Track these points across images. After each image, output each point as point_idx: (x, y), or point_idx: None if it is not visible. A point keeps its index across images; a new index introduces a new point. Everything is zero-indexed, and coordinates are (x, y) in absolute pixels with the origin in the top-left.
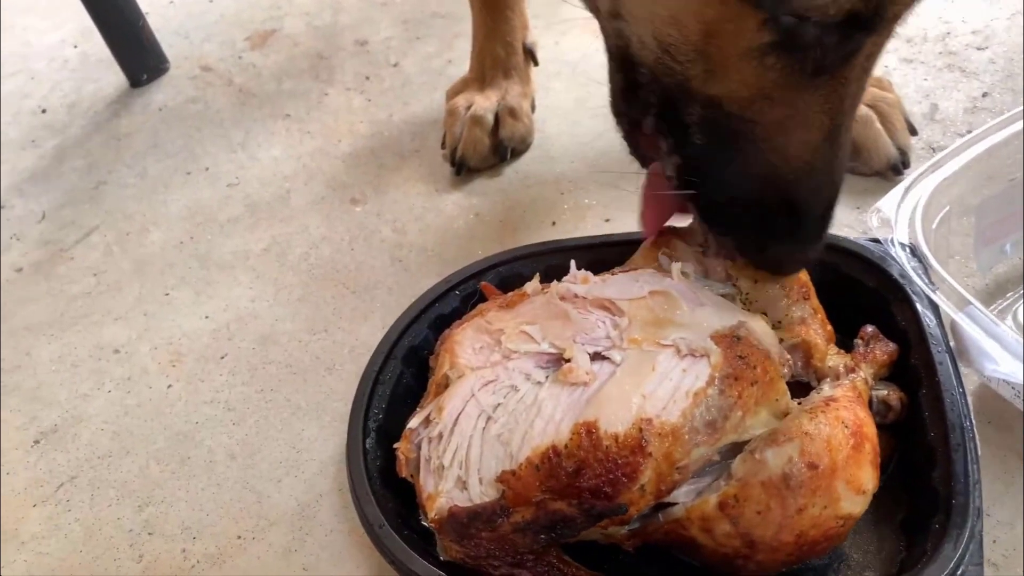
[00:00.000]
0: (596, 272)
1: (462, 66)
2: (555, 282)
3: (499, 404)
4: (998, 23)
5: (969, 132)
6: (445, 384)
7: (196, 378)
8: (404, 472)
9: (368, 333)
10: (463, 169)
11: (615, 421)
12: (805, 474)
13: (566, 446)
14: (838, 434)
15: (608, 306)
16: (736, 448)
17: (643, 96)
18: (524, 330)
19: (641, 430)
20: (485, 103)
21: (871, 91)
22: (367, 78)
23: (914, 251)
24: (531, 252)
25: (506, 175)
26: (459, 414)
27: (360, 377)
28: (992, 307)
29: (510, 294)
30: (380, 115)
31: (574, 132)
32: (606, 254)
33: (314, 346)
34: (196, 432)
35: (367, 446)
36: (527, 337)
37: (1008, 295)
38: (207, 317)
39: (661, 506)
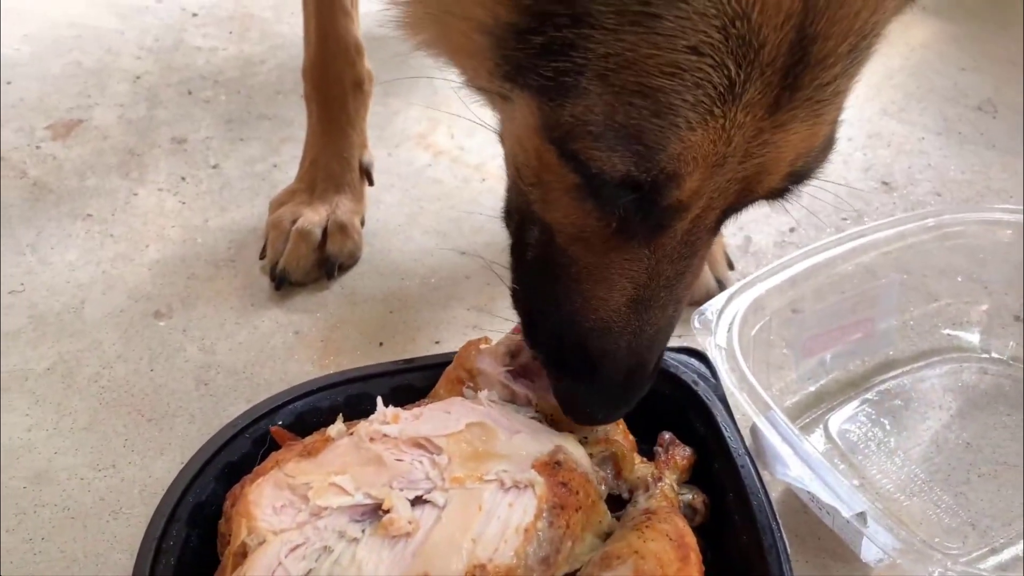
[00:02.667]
0: (402, 401)
1: (288, 172)
2: (362, 422)
3: (311, 570)
4: None
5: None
6: (244, 553)
7: None
8: None
9: (163, 469)
10: (284, 283)
11: (448, 572)
12: None
13: None
14: (666, 548)
15: (424, 444)
16: None
17: (512, 211)
18: (333, 482)
19: (475, 575)
20: (314, 217)
21: None
22: (183, 179)
23: (728, 354)
24: (327, 384)
25: (331, 290)
26: None
27: (138, 551)
28: (807, 416)
29: (310, 438)
30: (195, 220)
31: (405, 248)
32: (411, 379)
33: (98, 484)
34: None
35: None
36: (338, 489)
37: (822, 405)
38: None
39: None
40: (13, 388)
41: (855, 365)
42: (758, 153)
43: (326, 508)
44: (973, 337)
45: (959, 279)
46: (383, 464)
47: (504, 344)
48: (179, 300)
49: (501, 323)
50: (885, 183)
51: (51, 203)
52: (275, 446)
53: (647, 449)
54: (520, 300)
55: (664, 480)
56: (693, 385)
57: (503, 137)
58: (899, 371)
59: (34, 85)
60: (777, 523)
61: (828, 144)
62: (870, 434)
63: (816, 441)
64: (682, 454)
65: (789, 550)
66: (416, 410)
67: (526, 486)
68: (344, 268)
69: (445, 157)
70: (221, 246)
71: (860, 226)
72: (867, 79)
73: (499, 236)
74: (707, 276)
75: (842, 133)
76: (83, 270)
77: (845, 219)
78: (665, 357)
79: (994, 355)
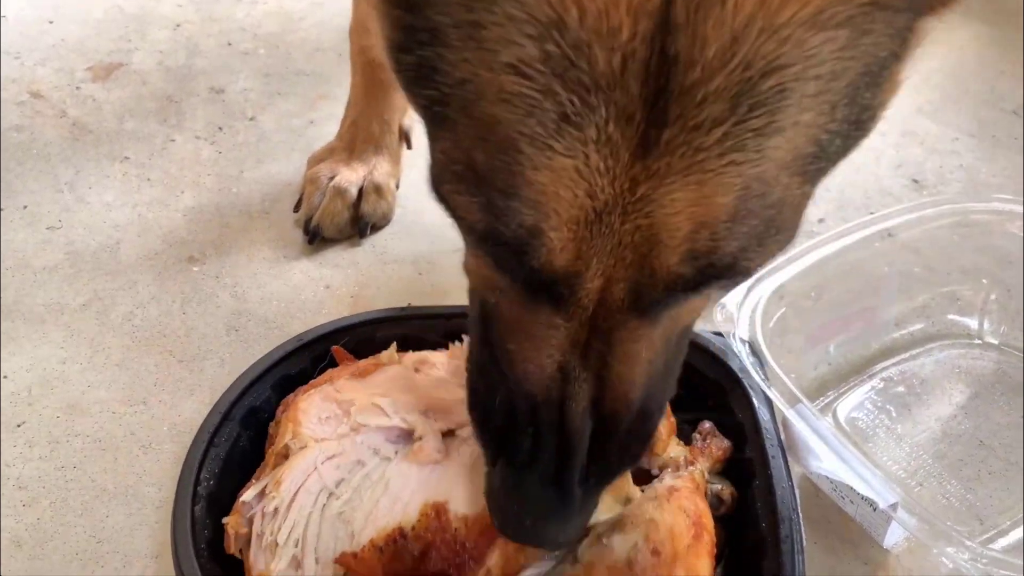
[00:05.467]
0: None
1: (325, 129)
2: (411, 352)
3: (343, 480)
4: None
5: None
6: (285, 455)
7: None
8: (232, 548)
9: (192, 409)
10: (316, 238)
11: (465, 502)
12: (649, 560)
13: (413, 527)
14: (680, 523)
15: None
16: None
17: None
18: (376, 403)
19: None
20: (351, 176)
21: None
22: (220, 129)
23: (752, 347)
24: (389, 316)
25: (362, 248)
26: (299, 488)
27: (192, 440)
28: (816, 404)
29: (364, 361)
30: (230, 170)
31: (437, 212)
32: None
33: (129, 419)
34: None
35: (196, 514)
36: (378, 410)
37: (829, 393)
38: (5, 377)
39: None
40: (49, 321)
41: (859, 352)
42: (640, 211)
43: (365, 425)
44: (975, 323)
45: (964, 266)
46: (422, 394)
47: None
48: (212, 247)
49: None
50: (915, 181)
51: (90, 143)
52: (332, 365)
53: (688, 431)
54: (470, 374)
55: (696, 466)
56: (739, 372)
57: None
58: (902, 356)
59: (75, 27)
60: (797, 515)
61: (742, 220)
62: (877, 421)
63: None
64: (719, 445)
65: (804, 542)
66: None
67: None
68: (376, 228)
69: None
70: (255, 197)
71: (869, 214)
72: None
73: None
74: None
75: (876, 129)
76: (119, 211)
77: (872, 212)
78: (711, 339)
79: (994, 341)
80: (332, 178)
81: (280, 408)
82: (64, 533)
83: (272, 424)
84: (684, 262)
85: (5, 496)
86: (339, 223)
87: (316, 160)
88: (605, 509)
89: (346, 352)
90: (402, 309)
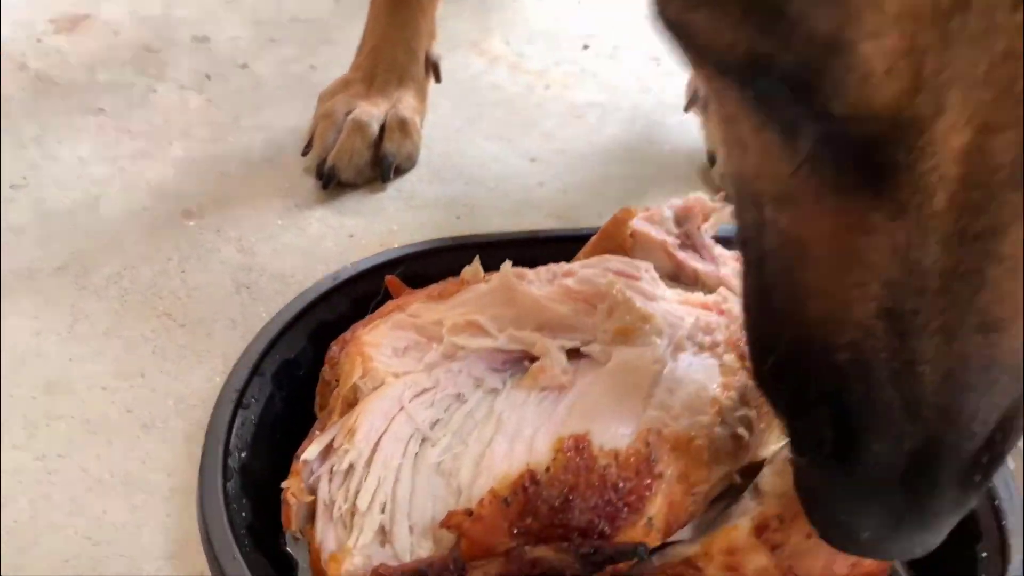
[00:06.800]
0: None
1: (329, 74)
2: (507, 264)
3: (438, 421)
4: None
5: None
6: (354, 399)
7: None
8: (293, 525)
9: (202, 379)
10: (332, 182)
11: (612, 433)
12: None
13: (547, 469)
14: None
15: (576, 295)
16: (749, 470)
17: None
18: (473, 320)
19: (648, 444)
20: (372, 110)
21: None
22: (208, 77)
23: None
24: (447, 246)
25: (387, 193)
26: (381, 436)
27: (215, 403)
28: None
29: (436, 284)
30: (224, 119)
31: (467, 153)
32: (547, 251)
33: (124, 395)
34: None
35: (228, 492)
36: (477, 330)
37: None
38: None
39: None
40: (17, 289)
41: None
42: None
43: (462, 349)
44: None
45: None
46: (532, 307)
47: (668, 207)
48: (210, 199)
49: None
50: None
51: (56, 96)
52: (386, 301)
53: None
54: (749, 318)
55: None
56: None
57: None
58: None
59: None
60: None
61: None
62: None
63: None
64: None
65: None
66: (566, 266)
67: (710, 351)
68: (400, 171)
69: (502, 63)
70: (256, 145)
71: None
72: None
73: (571, 144)
74: None
75: None
76: (97, 166)
77: None
78: None
79: None
80: (349, 112)
81: (335, 346)
82: (50, 536)
83: (324, 369)
84: None
85: None
86: (358, 163)
87: (329, 94)
88: (775, 439)
89: (402, 283)
90: (463, 238)
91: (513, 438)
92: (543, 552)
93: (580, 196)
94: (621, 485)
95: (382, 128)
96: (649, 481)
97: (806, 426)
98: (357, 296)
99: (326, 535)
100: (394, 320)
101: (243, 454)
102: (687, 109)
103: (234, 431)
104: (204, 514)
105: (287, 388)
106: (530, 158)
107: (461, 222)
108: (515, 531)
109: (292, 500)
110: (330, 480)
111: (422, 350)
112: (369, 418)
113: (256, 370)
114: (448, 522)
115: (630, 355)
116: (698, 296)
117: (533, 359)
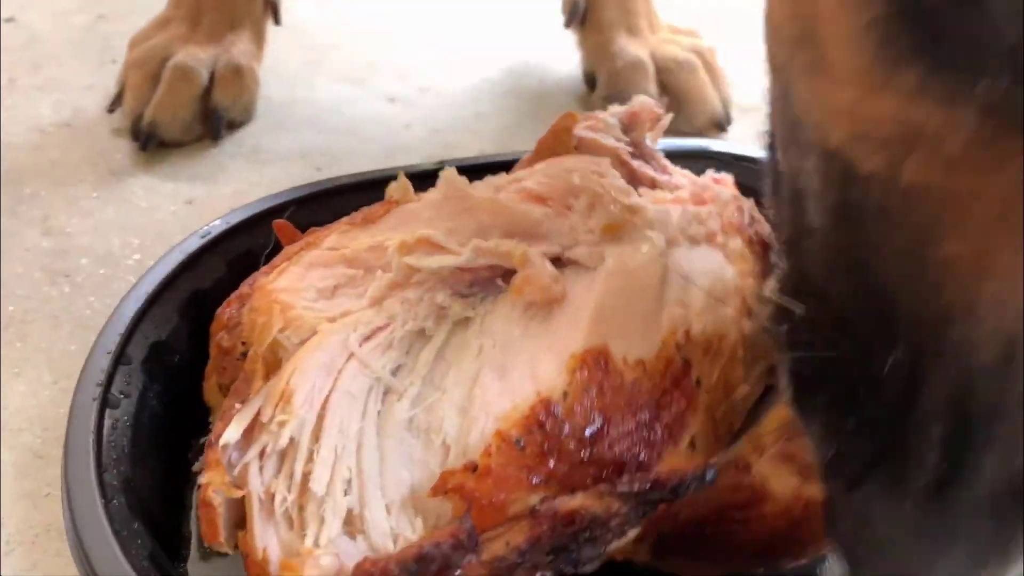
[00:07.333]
0: None
1: (126, 25)
2: (450, 170)
3: (401, 366)
4: None
5: None
6: (277, 361)
7: None
8: (218, 536)
9: (25, 393)
10: (152, 142)
11: (633, 342)
12: None
13: (565, 395)
14: None
15: (541, 198)
16: None
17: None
18: (424, 235)
19: (679, 347)
20: (199, 53)
21: (689, 40)
22: None
23: None
24: (343, 184)
25: (223, 149)
26: (327, 397)
27: (70, 411)
28: None
29: (357, 213)
30: None
31: (312, 99)
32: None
33: None
34: None
35: (113, 514)
36: (433, 247)
37: None
38: None
39: None
40: None
41: None
42: None
43: (419, 272)
44: None
45: None
46: (496, 212)
47: (611, 114)
48: None
49: None
50: None
51: None
52: (275, 253)
53: None
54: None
55: None
56: None
57: None
58: None
59: None
60: None
61: None
62: None
63: None
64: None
65: None
66: (510, 175)
67: (708, 242)
68: (234, 125)
69: None
70: (43, 109)
71: None
72: None
73: (437, 81)
74: (712, 96)
75: None
76: None
77: None
78: None
79: None
80: (168, 57)
81: (229, 307)
82: None
83: (222, 336)
84: None
85: None
86: (184, 118)
87: (142, 38)
88: None
89: (292, 227)
90: (360, 175)
91: (504, 370)
92: (581, 502)
93: (455, 136)
94: (657, 400)
95: (213, 75)
96: (689, 391)
97: (874, 450)
98: (235, 256)
99: (267, 537)
100: (311, 257)
101: (123, 466)
102: (567, 25)
103: (104, 439)
104: (87, 555)
105: (162, 380)
106: (388, 99)
107: (324, 173)
108: (534, 481)
109: (215, 500)
110: (261, 466)
111: (360, 284)
112: (307, 376)
113: (119, 358)
114: (444, 486)
115: (626, 252)
116: (668, 195)
117: (506, 275)
